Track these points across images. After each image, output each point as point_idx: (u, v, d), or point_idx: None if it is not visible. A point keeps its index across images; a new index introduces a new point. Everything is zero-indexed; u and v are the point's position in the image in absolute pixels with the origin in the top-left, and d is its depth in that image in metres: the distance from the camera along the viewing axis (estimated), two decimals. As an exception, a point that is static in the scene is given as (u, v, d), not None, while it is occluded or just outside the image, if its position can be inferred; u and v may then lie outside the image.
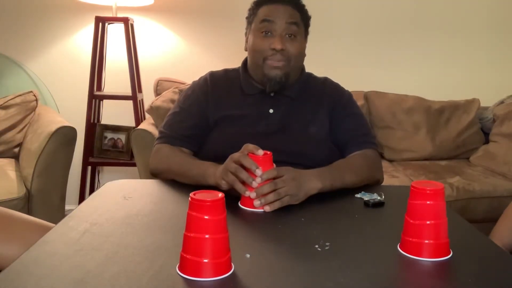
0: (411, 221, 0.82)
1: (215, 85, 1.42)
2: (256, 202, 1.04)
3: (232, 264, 0.75)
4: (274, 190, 1.04)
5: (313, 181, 1.12)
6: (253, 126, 1.34)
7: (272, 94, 1.38)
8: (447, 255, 0.82)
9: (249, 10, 1.41)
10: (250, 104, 1.38)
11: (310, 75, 1.47)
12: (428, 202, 0.81)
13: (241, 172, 1.05)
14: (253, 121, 1.35)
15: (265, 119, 1.36)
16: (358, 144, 1.35)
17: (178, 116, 1.39)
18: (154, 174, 1.34)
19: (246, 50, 1.41)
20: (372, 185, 1.29)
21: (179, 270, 0.74)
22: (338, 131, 1.37)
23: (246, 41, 1.41)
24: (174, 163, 1.27)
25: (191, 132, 1.36)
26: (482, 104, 2.71)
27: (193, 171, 1.21)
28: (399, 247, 0.85)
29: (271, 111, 1.37)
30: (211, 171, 1.15)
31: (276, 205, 1.04)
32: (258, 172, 1.04)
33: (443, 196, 0.82)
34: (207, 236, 0.71)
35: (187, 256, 0.72)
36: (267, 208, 1.03)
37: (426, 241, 0.81)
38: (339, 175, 1.20)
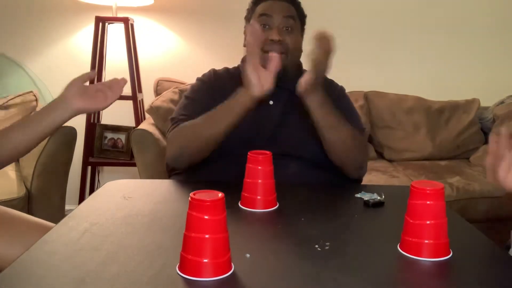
0: (411, 221, 0.83)
1: (218, 79, 1.43)
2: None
3: (232, 264, 0.75)
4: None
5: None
6: (256, 120, 1.35)
7: None
8: (447, 255, 0.82)
9: (247, 9, 1.44)
10: None
11: (305, 71, 1.50)
12: (428, 202, 0.81)
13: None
14: (254, 113, 1.36)
15: (265, 111, 1.37)
16: None
17: (190, 107, 1.37)
18: (176, 158, 1.30)
19: (245, 46, 1.43)
20: (351, 171, 1.30)
21: (179, 270, 0.74)
22: None
23: (245, 39, 1.43)
24: (197, 124, 1.26)
25: None
26: (482, 104, 2.71)
27: (219, 109, 1.21)
28: (399, 247, 0.85)
29: (271, 102, 1.38)
30: (237, 93, 1.19)
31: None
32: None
33: (443, 196, 0.82)
34: (207, 236, 0.71)
35: (187, 256, 0.72)
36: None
37: (426, 241, 0.81)
38: (334, 111, 1.24)
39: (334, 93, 1.43)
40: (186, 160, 1.29)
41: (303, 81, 1.17)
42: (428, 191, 0.81)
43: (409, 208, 0.83)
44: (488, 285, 0.75)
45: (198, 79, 1.47)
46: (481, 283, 0.75)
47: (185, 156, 1.28)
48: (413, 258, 0.82)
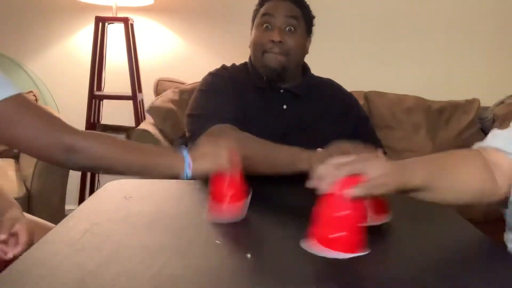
0: (323, 213, 0.75)
1: (231, 77, 1.40)
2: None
3: None
4: None
5: None
6: (271, 124, 1.35)
7: (281, 91, 1.39)
8: (361, 251, 0.75)
9: (254, 11, 1.43)
10: (264, 100, 1.38)
11: (313, 74, 1.50)
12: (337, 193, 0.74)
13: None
14: (270, 119, 1.36)
15: (280, 116, 1.37)
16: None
17: (226, 104, 1.31)
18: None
19: (250, 47, 1.43)
20: None
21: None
22: (355, 134, 1.38)
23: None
24: (251, 148, 1.15)
25: (239, 115, 1.30)
26: (482, 104, 2.70)
27: (280, 154, 1.16)
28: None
29: (284, 107, 1.39)
30: (304, 155, 1.12)
31: None
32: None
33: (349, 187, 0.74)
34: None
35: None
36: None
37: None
38: None
39: (351, 102, 1.48)
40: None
41: None
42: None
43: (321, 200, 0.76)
44: (485, 281, 0.75)
45: (211, 73, 1.42)
46: (477, 279, 0.75)
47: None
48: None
